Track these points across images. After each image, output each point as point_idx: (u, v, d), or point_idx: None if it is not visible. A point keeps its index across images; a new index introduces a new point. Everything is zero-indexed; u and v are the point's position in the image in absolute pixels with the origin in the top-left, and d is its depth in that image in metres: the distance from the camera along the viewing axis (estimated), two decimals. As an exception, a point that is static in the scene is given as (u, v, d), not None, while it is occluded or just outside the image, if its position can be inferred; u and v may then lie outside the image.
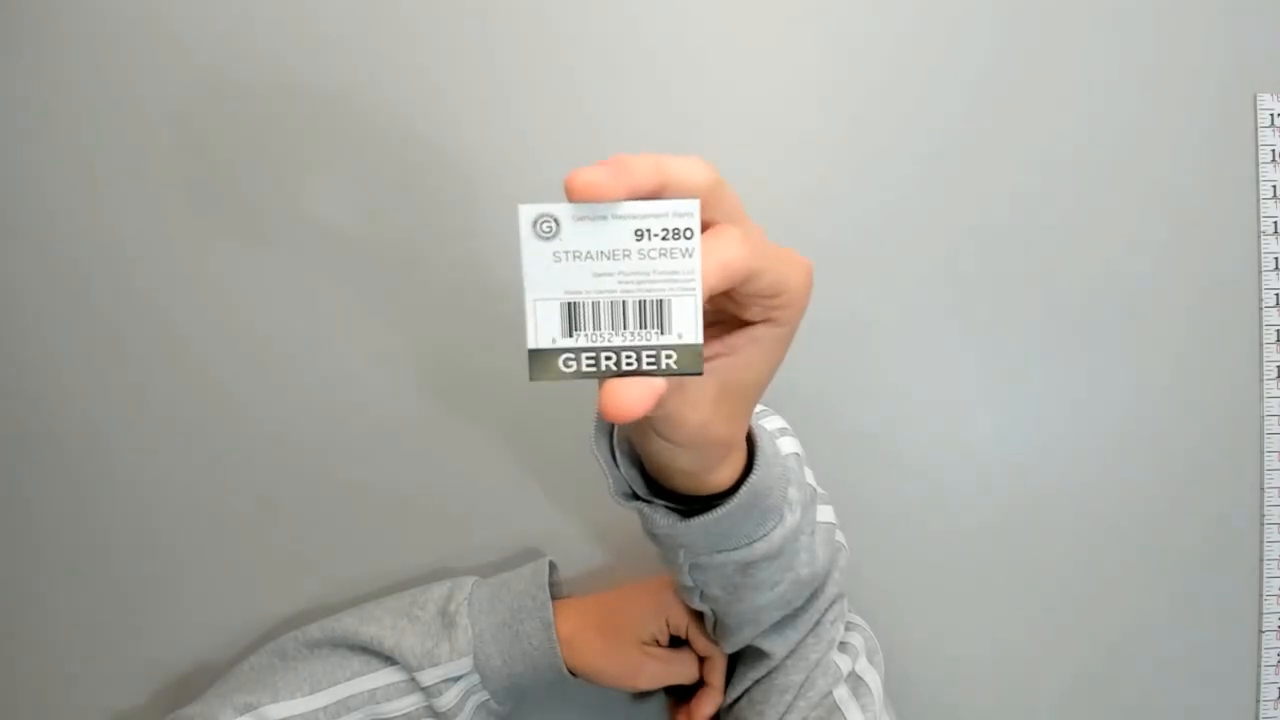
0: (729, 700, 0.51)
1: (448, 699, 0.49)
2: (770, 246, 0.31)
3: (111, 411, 0.60)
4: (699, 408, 0.33)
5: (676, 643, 0.53)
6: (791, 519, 0.40)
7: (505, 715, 0.53)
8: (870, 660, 0.48)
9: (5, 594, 0.60)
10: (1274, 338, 0.61)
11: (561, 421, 0.59)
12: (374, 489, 0.60)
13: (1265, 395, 0.60)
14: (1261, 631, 0.60)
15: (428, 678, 0.49)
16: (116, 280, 0.60)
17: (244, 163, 0.60)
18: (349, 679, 0.50)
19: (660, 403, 0.30)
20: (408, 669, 0.49)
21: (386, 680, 0.50)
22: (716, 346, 0.33)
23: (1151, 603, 0.60)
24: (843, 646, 0.48)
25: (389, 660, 0.50)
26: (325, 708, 0.49)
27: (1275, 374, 0.60)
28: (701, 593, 0.45)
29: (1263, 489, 0.60)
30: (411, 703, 0.50)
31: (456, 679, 0.49)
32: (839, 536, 0.49)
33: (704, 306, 0.29)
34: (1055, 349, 0.60)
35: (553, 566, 0.54)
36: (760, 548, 0.40)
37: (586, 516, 0.60)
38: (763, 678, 0.48)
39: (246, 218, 0.60)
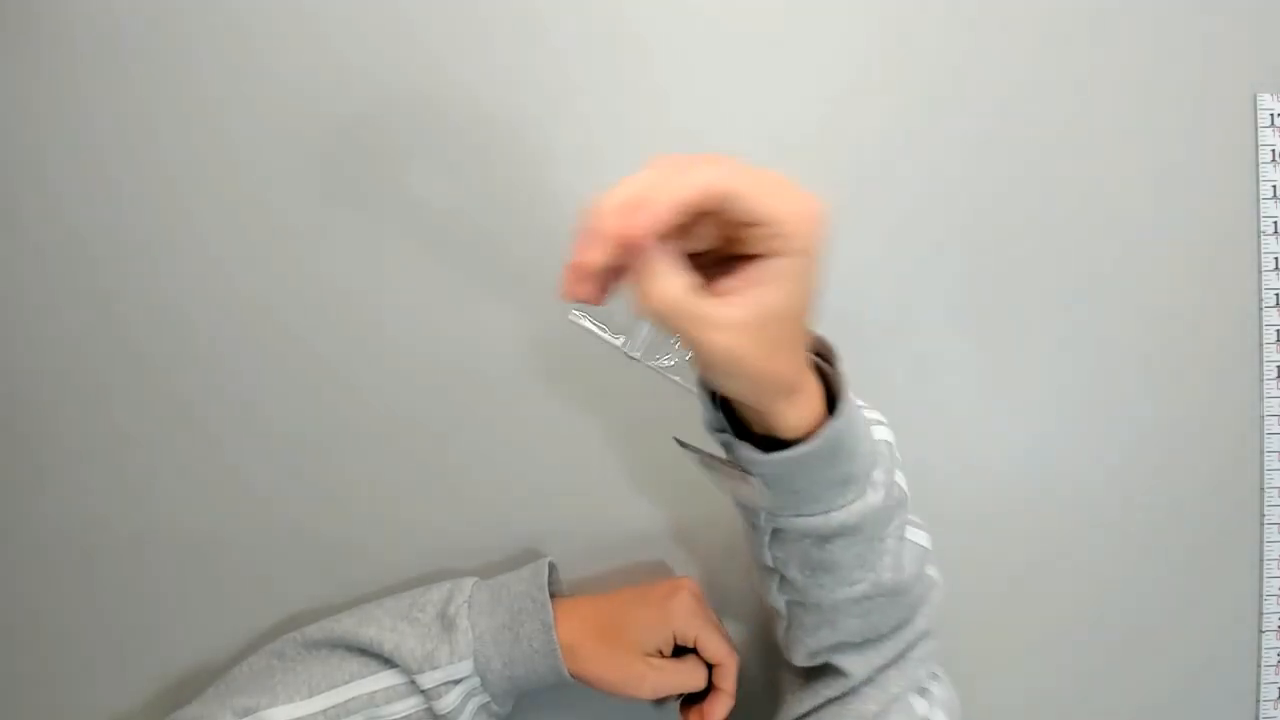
0: (797, 713, 0.48)
1: (448, 701, 0.49)
2: (762, 177, 0.33)
3: (110, 413, 0.60)
4: (727, 331, 0.34)
5: (679, 650, 0.53)
6: (874, 497, 0.41)
7: (505, 716, 0.53)
8: (948, 716, 0.47)
9: (4, 595, 0.60)
10: (1274, 338, 0.60)
11: (563, 421, 0.60)
12: (374, 489, 0.60)
13: (1265, 395, 0.60)
14: (1261, 631, 0.60)
15: (428, 680, 0.49)
16: (117, 280, 0.60)
17: (245, 161, 0.60)
18: (348, 681, 0.50)
19: (692, 336, 0.34)
20: (407, 671, 0.49)
21: (386, 683, 0.50)
22: (735, 281, 0.35)
23: (1152, 603, 0.60)
24: (923, 692, 0.47)
25: (388, 663, 0.50)
26: (325, 710, 0.49)
27: (1275, 374, 0.60)
28: (781, 578, 0.45)
29: (1263, 489, 0.60)
30: (411, 705, 0.50)
31: (457, 681, 0.49)
32: (932, 571, 0.48)
33: (709, 240, 0.35)
34: (1054, 349, 0.60)
35: (552, 567, 0.54)
36: (838, 517, 0.41)
37: (586, 517, 0.60)
38: (836, 698, 0.47)
39: (247, 217, 0.60)
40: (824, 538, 0.42)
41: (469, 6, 0.60)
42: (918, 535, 0.47)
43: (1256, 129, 0.61)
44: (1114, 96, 0.61)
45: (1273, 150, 0.61)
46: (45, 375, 0.60)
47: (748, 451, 0.40)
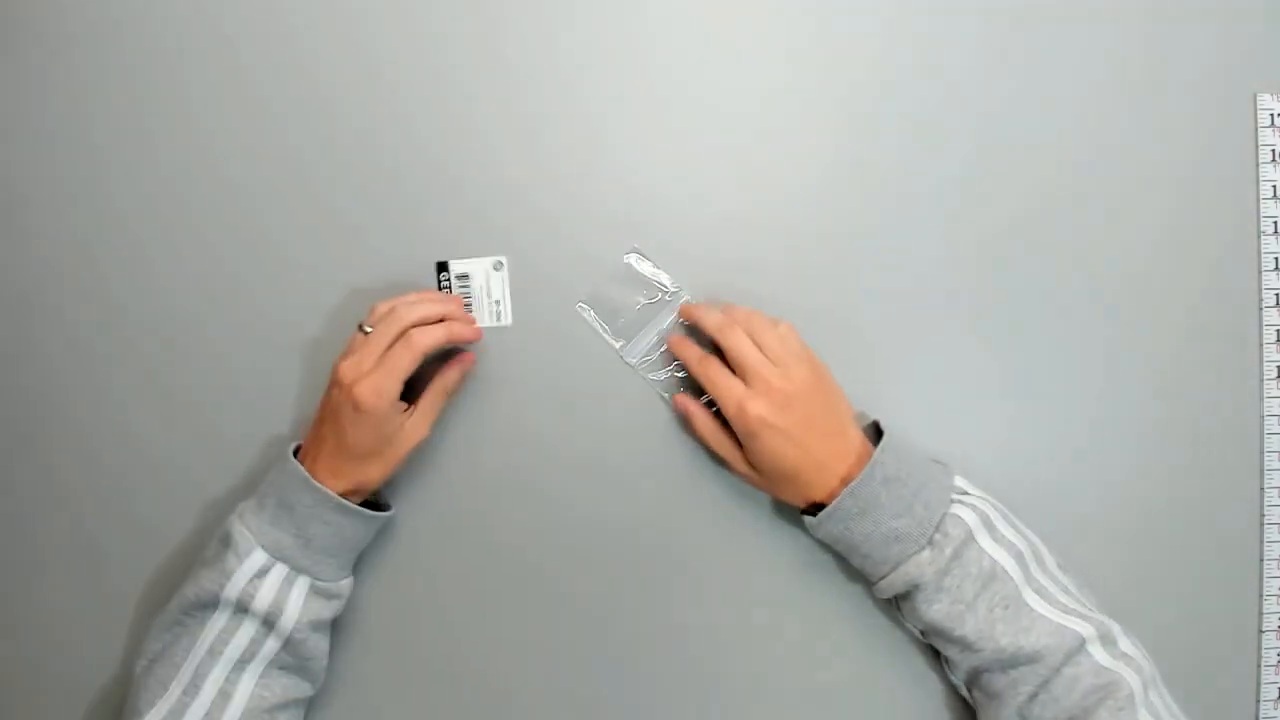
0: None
1: (263, 597, 0.50)
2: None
3: (110, 413, 0.61)
4: (741, 466, 0.56)
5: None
6: (929, 554, 0.51)
7: (341, 592, 0.54)
8: None
9: (4, 595, 0.60)
10: (1274, 338, 0.60)
11: (558, 423, 0.60)
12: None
13: (1265, 395, 0.60)
14: (1261, 631, 0.60)
15: (233, 590, 0.50)
16: (117, 281, 0.61)
17: (245, 163, 0.61)
18: (185, 655, 0.51)
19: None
20: (215, 597, 0.50)
21: (215, 629, 0.51)
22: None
23: (1152, 602, 0.60)
24: None
25: (203, 611, 0.51)
26: (184, 690, 0.50)
27: (1275, 374, 0.60)
28: (942, 658, 0.55)
29: (1263, 489, 0.60)
30: (247, 631, 0.51)
31: (261, 575, 0.51)
32: (1109, 664, 0.50)
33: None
34: (1054, 349, 0.60)
35: (298, 448, 0.55)
36: (904, 571, 0.51)
37: (577, 512, 0.60)
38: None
39: (246, 215, 0.61)
40: (908, 595, 0.52)
41: (472, 9, 0.60)
42: (1065, 619, 0.50)
43: (1256, 129, 0.61)
44: (1114, 96, 0.61)
45: (1273, 150, 0.61)
46: (46, 375, 0.61)
47: (810, 519, 0.54)
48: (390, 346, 0.52)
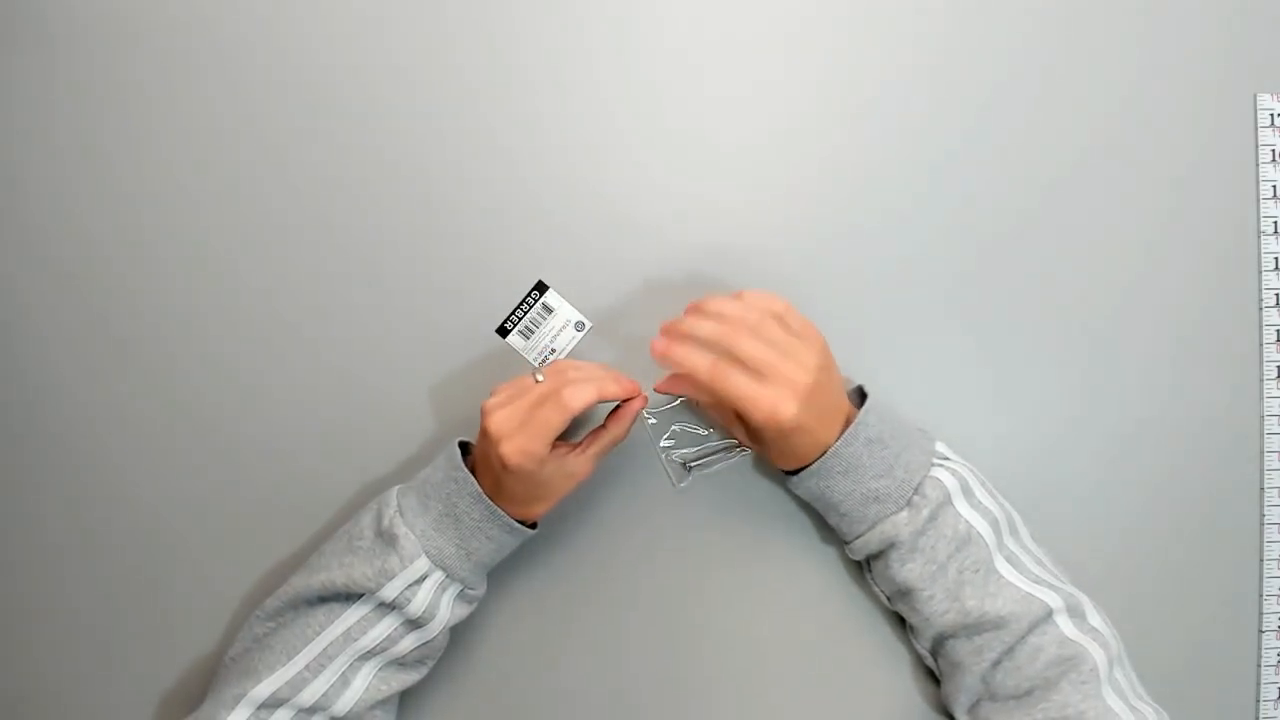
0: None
1: (419, 602, 0.51)
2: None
3: (109, 412, 0.60)
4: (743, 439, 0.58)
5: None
6: (907, 514, 0.51)
7: (480, 597, 0.55)
8: None
9: (4, 595, 0.60)
10: (1274, 338, 0.61)
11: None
12: (374, 485, 0.60)
13: (1265, 395, 0.60)
14: (1261, 631, 0.60)
15: (390, 591, 0.50)
16: (116, 278, 0.60)
17: (244, 162, 0.60)
18: (319, 632, 0.51)
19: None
20: (368, 593, 0.50)
21: (356, 616, 0.51)
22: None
23: (1151, 603, 0.60)
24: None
25: (348, 599, 0.51)
26: (307, 666, 0.50)
27: (1275, 374, 0.60)
28: (908, 625, 0.56)
29: (1263, 489, 0.60)
30: (387, 625, 0.51)
31: (420, 580, 0.51)
32: (1075, 636, 0.50)
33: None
34: (1055, 349, 0.60)
35: (464, 446, 0.55)
36: (880, 530, 0.51)
37: (577, 505, 0.60)
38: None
39: (247, 215, 0.61)
40: (882, 554, 0.53)
41: (472, 9, 0.60)
42: (1033, 588, 0.51)
43: (1256, 129, 0.61)
44: (1114, 96, 0.61)
45: (1273, 150, 0.61)
46: (45, 375, 0.60)
47: (791, 477, 0.54)
48: (540, 403, 0.50)
